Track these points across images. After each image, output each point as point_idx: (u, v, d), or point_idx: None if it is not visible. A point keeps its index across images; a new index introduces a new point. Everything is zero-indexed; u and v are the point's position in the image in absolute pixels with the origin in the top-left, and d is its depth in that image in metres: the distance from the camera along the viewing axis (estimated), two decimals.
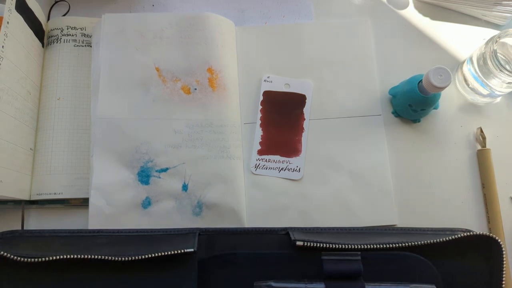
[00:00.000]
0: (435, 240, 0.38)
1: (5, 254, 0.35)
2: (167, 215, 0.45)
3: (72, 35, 0.51)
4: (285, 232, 0.42)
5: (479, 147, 0.49)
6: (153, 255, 0.36)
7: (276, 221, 0.45)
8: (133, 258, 0.36)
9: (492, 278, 0.39)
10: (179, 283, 0.37)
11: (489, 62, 0.44)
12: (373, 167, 0.48)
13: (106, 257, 0.36)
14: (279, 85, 0.51)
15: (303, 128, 0.49)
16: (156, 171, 0.46)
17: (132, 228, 0.43)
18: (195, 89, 0.48)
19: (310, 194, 0.47)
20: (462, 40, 0.53)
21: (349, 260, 0.37)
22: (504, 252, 0.38)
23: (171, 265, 0.38)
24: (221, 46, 0.50)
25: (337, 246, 0.38)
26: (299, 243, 0.38)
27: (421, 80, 0.44)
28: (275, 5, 0.55)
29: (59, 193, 0.46)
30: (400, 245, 0.38)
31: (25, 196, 0.45)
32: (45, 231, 0.42)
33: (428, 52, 0.52)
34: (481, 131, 0.48)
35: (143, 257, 0.36)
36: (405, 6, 0.55)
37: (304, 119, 0.49)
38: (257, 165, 0.48)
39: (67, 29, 0.51)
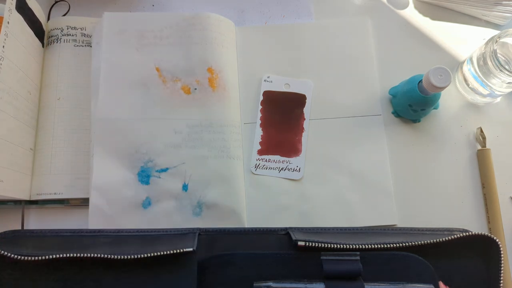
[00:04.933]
0: (433, 240, 0.38)
1: (6, 253, 0.35)
2: (167, 215, 0.45)
3: (72, 35, 0.51)
4: (285, 232, 0.42)
5: (479, 147, 0.49)
6: (152, 254, 0.36)
7: (276, 221, 0.45)
8: (133, 257, 0.36)
9: (490, 278, 0.39)
10: (178, 283, 0.37)
11: (489, 62, 0.44)
12: (373, 167, 0.48)
13: (106, 256, 0.36)
14: (279, 85, 0.51)
15: (303, 128, 0.49)
16: (156, 171, 0.46)
17: (132, 228, 0.43)
18: (195, 89, 0.48)
19: (310, 194, 0.47)
20: (462, 40, 0.53)
21: (349, 260, 0.37)
22: (502, 252, 0.38)
23: (170, 265, 0.38)
24: (221, 46, 0.50)
25: (336, 246, 0.38)
26: (300, 243, 0.38)
27: (421, 80, 0.44)
28: (275, 5, 0.55)
29: (59, 193, 0.46)
30: (399, 245, 0.38)
31: (25, 196, 0.45)
32: (46, 230, 0.42)
33: (428, 52, 0.52)
34: (481, 131, 0.48)
35: (143, 256, 0.36)
36: (405, 6, 0.55)
37: (304, 119, 0.49)
38: (257, 165, 0.48)
39: (67, 29, 0.51)
